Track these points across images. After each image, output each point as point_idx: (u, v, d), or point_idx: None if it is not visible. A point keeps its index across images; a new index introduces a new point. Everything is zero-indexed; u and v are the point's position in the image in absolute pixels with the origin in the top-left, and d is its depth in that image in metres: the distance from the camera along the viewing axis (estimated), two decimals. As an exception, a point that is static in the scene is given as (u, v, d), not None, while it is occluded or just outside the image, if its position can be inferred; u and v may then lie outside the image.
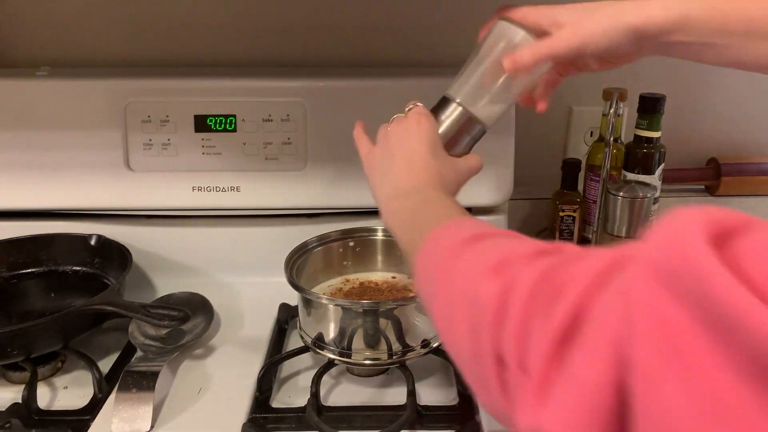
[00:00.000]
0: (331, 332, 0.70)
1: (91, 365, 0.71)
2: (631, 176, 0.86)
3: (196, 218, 0.89)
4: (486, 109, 0.64)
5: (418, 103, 0.65)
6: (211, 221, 0.89)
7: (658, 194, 0.86)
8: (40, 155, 0.86)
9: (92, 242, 0.87)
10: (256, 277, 0.90)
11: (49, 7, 0.90)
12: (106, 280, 0.85)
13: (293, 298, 0.83)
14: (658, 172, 0.86)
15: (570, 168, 0.90)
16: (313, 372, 0.73)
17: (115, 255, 0.84)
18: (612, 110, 0.82)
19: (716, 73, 0.97)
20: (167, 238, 0.89)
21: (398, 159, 0.60)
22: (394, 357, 0.70)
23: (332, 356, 0.70)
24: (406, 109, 0.65)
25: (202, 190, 0.87)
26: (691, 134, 1.00)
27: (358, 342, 0.69)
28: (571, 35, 0.55)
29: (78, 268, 0.87)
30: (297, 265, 0.76)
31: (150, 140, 0.86)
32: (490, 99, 0.63)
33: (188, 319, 0.70)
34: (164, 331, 0.78)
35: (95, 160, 0.86)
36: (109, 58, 0.92)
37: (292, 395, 0.71)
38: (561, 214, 0.90)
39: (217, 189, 0.87)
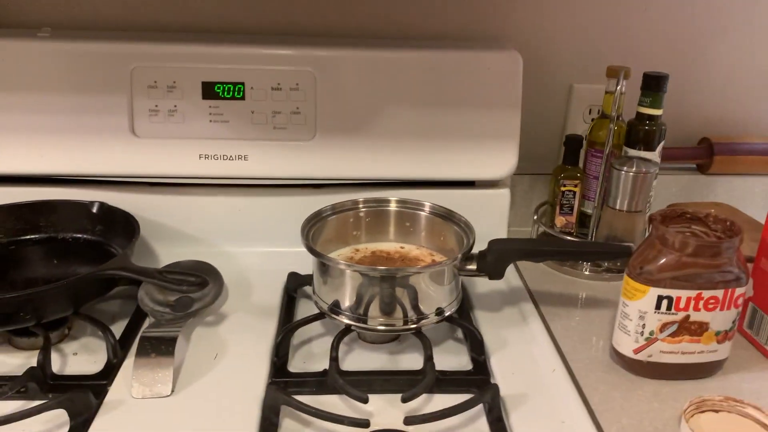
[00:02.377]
0: (347, 298, 0.71)
1: (105, 331, 0.70)
2: (632, 152, 0.88)
3: (202, 186, 0.89)
4: None
5: None
6: (218, 190, 0.89)
7: (659, 170, 0.88)
8: (41, 119, 0.83)
9: (94, 209, 0.85)
10: (262, 247, 0.90)
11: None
12: (109, 248, 0.84)
13: (301, 267, 0.84)
14: (659, 149, 0.88)
15: (572, 144, 0.92)
16: (324, 339, 0.74)
17: (119, 223, 0.83)
18: (619, 87, 0.84)
19: (710, 52, 0.99)
20: (172, 207, 0.88)
21: None
22: (409, 324, 0.71)
23: (348, 322, 0.71)
24: None
25: (209, 158, 0.86)
26: (684, 113, 1.03)
27: (374, 308, 0.70)
28: None
29: (79, 236, 0.86)
30: (312, 232, 0.76)
31: (156, 106, 0.84)
32: None
33: (206, 284, 0.70)
34: (173, 298, 0.78)
35: (99, 126, 0.84)
36: (114, 21, 0.90)
37: (308, 361, 0.71)
38: (562, 189, 0.92)
39: (225, 157, 0.86)
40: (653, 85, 0.85)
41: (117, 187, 0.87)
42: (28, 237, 0.85)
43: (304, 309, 0.80)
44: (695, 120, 1.03)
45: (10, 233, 0.84)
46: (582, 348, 0.73)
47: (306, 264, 0.77)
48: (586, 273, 0.90)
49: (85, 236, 0.86)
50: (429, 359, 0.68)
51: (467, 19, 0.94)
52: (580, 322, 0.79)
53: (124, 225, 0.82)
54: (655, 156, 0.88)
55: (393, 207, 0.82)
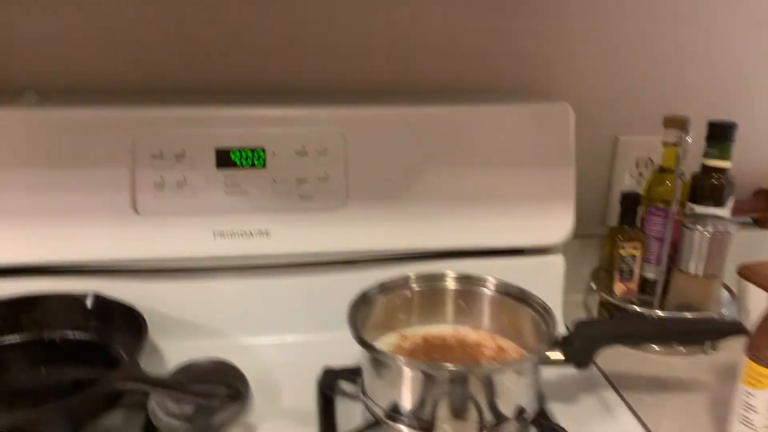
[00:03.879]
0: (409, 401, 0.58)
1: (114, 461, 0.56)
2: (700, 209, 0.79)
3: (215, 270, 0.76)
4: None
5: None
6: (233, 272, 0.76)
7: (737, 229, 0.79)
8: (23, 198, 0.70)
9: (88, 303, 0.72)
10: (286, 337, 0.77)
11: (37, 22, 0.76)
12: (108, 349, 0.70)
13: (334, 357, 0.72)
14: (729, 205, 0.79)
15: (629, 201, 0.83)
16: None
17: (119, 318, 0.70)
18: (689, 139, 0.75)
19: (761, 98, 0.92)
20: (181, 295, 0.75)
21: None
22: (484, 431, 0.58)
23: (410, 430, 0.58)
24: None
25: (225, 235, 0.74)
26: (738, 163, 0.94)
27: (443, 412, 0.58)
28: None
29: (70, 335, 0.72)
30: (358, 319, 0.64)
31: (162, 179, 0.72)
32: None
33: (241, 396, 0.57)
34: (189, 408, 0.64)
35: (95, 204, 0.71)
36: (111, 83, 0.79)
37: (364, 482, 0.58)
38: (621, 252, 0.82)
39: (243, 234, 0.74)
40: (720, 134, 0.78)
41: (116, 276, 0.74)
42: (6, 339, 0.71)
43: (346, 412, 0.67)
44: (750, 170, 0.95)
45: (-14, 336, 0.70)
46: (688, 446, 0.62)
47: (341, 354, 0.67)
48: (656, 348, 0.79)
49: (77, 336, 0.72)
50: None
51: (508, 72, 0.86)
52: (673, 411, 0.67)
53: (127, 320, 0.69)
54: (726, 213, 0.79)
55: (450, 284, 0.71)
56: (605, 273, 0.87)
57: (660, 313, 0.79)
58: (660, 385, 0.73)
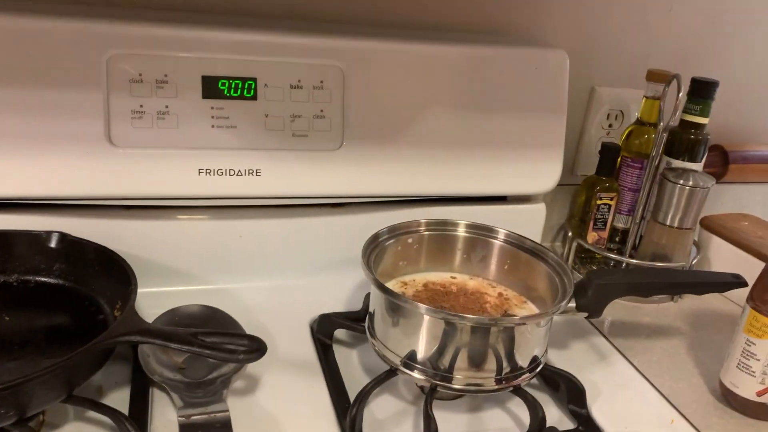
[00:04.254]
0: (426, 350, 0.57)
1: (118, 419, 0.51)
2: (677, 163, 0.82)
3: (202, 209, 0.70)
4: None
5: None
6: (222, 213, 0.70)
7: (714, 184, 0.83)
8: (-25, 122, 0.61)
9: (52, 243, 0.64)
10: (274, 281, 0.73)
11: None
12: (78, 293, 0.63)
13: (325, 303, 0.69)
14: (704, 160, 0.82)
15: (609, 153, 0.84)
16: (383, 399, 0.60)
17: (92, 261, 0.63)
18: (681, 93, 0.76)
19: (722, 60, 0.96)
20: (162, 236, 0.69)
21: None
22: (503, 382, 0.58)
23: (431, 380, 0.57)
24: None
25: (212, 173, 0.67)
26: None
27: (461, 362, 0.57)
28: None
29: (29, 278, 0.64)
30: (371, 263, 0.61)
31: (141, 107, 0.64)
32: None
33: (265, 349, 0.52)
34: (180, 359, 0.60)
35: (64, 132, 0.62)
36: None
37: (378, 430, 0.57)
38: (598, 202, 0.84)
39: (231, 173, 0.68)
40: (703, 91, 0.79)
41: (86, 212, 0.66)
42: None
43: (347, 361, 0.65)
44: (710, 128, 0.99)
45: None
46: (681, 389, 0.65)
47: (331, 299, 0.68)
48: (649, 298, 0.82)
49: (38, 278, 0.64)
50: (541, 422, 0.56)
51: (492, 14, 0.82)
52: (662, 357, 0.71)
53: (103, 264, 0.63)
54: (700, 168, 0.82)
55: (461, 232, 0.69)
56: (578, 221, 0.89)
57: (633, 261, 0.82)
58: (642, 331, 0.76)
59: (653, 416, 0.61)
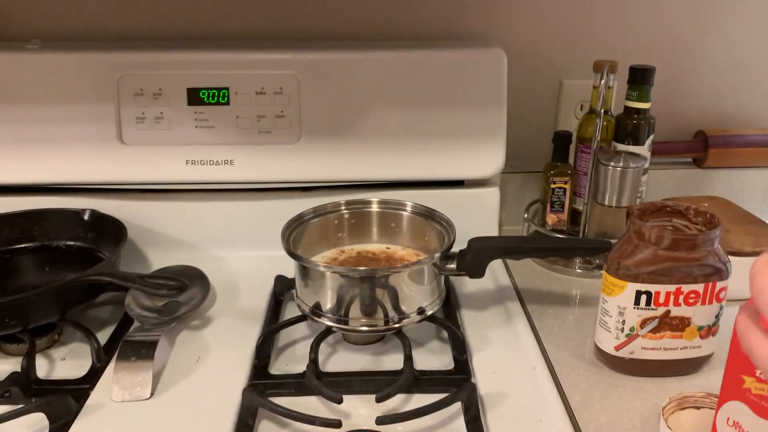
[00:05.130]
0: (328, 300, 0.71)
1: (89, 336, 0.71)
2: (621, 147, 0.87)
3: (190, 192, 0.89)
4: None
5: None
6: (205, 195, 0.90)
7: (647, 165, 0.87)
8: (32, 129, 0.85)
9: (86, 217, 0.87)
10: (250, 251, 0.90)
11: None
12: (100, 254, 0.85)
13: (288, 270, 0.84)
14: (648, 142, 0.87)
15: (561, 140, 0.91)
16: (308, 341, 0.74)
17: (109, 229, 0.84)
18: (602, 82, 0.83)
19: (703, 46, 0.98)
20: (161, 213, 0.89)
21: None
22: (390, 323, 0.71)
23: (330, 323, 0.71)
24: None
25: (196, 163, 0.87)
26: (679, 107, 1.01)
27: (355, 309, 0.70)
28: None
29: (71, 243, 0.87)
30: (294, 235, 0.76)
31: (143, 113, 0.85)
32: None
33: (186, 288, 0.71)
34: (160, 303, 0.79)
35: (88, 134, 0.85)
36: (101, 31, 0.92)
37: (290, 363, 0.71)
38: (552, 186, 0.91)
39: (211, 162, 0.87)
40: (639, 78, 0.84)
41: (107, 195, 0.88)
42: (22, 246, 0.87)
43: (291, 312, 0.81)
44: (690, 114, 1.01)
45: (4, 242, 0.86)
46: (566, 346, 0.73)
47: (294, 267, 0.78)
48: (578, 270, 0.89)
49: (77, 243, 0.87)
50: (408, 359, 0.67)
51: (452, 19, 0.94)
52: (567, 321, 0.78)
53: (114, 231, 0.83)
54: (644, 150, 0.87)
55: (375, 208, 0.82)
56: (541, 205, 0.96)
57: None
58: (565, 300, 0.83)
59: (521, 365, 0.69)
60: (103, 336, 0.75)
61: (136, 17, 0.91)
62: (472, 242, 0.73)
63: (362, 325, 0.71)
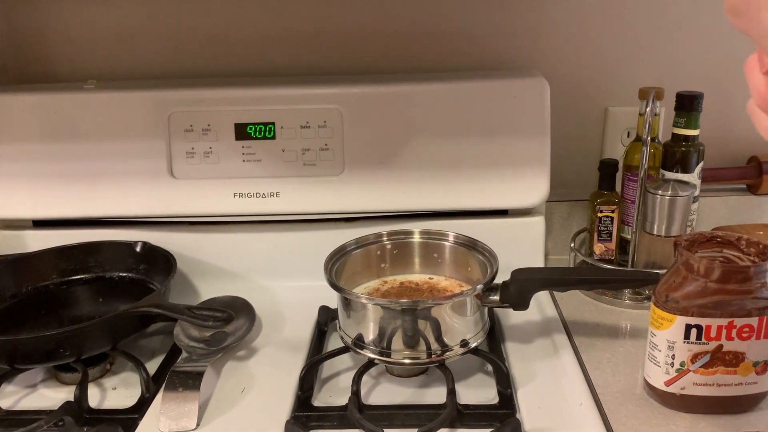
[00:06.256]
0: (370, 332, 0.71)
1: (139, 366, 0.73)
2: (669, 175, 0.85)
3: (238, 224, 0.92)
4: None
5: None
6: (252, 227, 0.92)
7: (697, 192, 0.85)
8: (88, 165, 0.89)
9: (138, 249, 0.90)
10: (295, 281, 0.91)
11: (95, 23, 0.94)
12: (151, 285, 0.88)
13: (333, 300, 0.85)
14: (697, 170, 0.85)
15: (607, 168, 0.90)
16: (353, 372, 0.74)
17: (160, 261, 0.87)
18: (648, 109, 0.82)
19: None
20: (210, 244, 0.92)
21: None
22: (432, 356, 0.70)
23: (372, 356, 0.71)
24: None
25: (243, 196, 0.89)
26: (731, 132, 0.98)
27: (397, 341, 0.70)
28: None
29: (125, 274, 0.90)
30: (336, 267, 0.77)
31: (192, 149, 0.88)
32: None
33: (232, 319, 0.72)
34: (208, 334, 0.80)
35: (140, 169, 0.89)
36: (152, 71, 0.96)
37: (333, 395, 0.72)
38: (599, 215, 0.90)
39: (258, 195, 0.89)
40: (687, 104, 0.83)
41: (158, 227, 0.91)
42: (78, 277, 0.90)
43: (335, 343, 0.81)
44: (742, 139, 0.98)
45: (62, 274, 0.90)
46: (615, 381, 0.71)
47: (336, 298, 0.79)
48: (627, 301, 0.87)
49: (130, 275, 0.90)
50: (451, 393, 0.67)
51: (497, 49, 0.95)
52: (615, 354, 0.76)
53: (164, 263, 0.86)
54: (693, 178, 0.85)
55: (417, 238, 0.82)
56: (588, 234, 0.94)
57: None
58: (613, 333, 0.81)
59: (568, 400, 0.67)
60: (153, 365, 0.77)
61: (185, 57, 0.95)
62: (516, 273, 0.72)
63: (405, 358, 0.70)
